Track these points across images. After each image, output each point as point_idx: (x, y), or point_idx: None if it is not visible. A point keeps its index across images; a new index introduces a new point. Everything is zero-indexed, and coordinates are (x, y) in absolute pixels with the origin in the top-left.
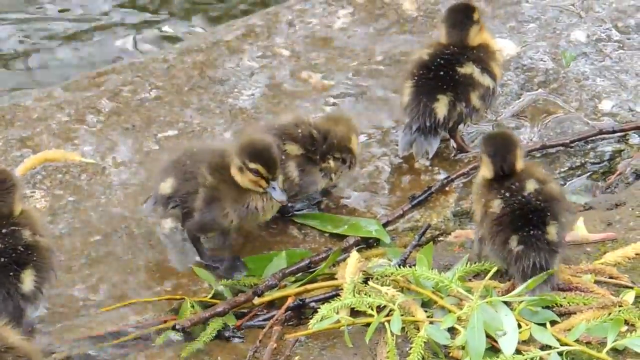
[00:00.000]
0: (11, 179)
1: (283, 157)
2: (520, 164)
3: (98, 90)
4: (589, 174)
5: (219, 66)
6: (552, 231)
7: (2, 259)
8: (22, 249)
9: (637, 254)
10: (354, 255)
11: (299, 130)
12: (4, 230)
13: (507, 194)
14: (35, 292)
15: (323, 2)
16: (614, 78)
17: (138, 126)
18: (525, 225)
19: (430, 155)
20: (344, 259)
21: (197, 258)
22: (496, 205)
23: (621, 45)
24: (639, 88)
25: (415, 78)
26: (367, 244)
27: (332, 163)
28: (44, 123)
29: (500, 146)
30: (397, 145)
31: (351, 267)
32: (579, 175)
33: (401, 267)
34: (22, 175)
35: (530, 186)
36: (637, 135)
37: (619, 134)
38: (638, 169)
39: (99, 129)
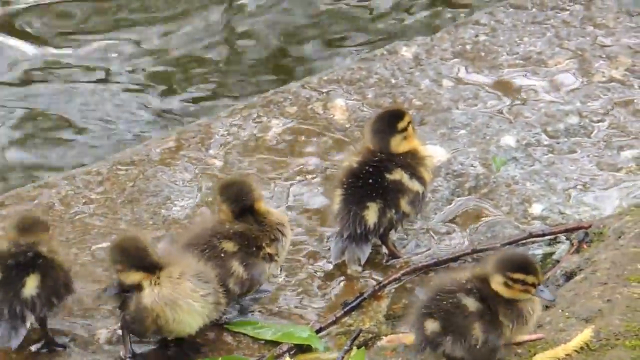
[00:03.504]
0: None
1: (222, 255)
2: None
3: (32, 204)
4: None
5: (152, 178)
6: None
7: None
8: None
9: (567, 355)
10: None
11: (228, 227)
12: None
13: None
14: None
15: (255, 112)
16: (543, 182)
17: (72, 238)
18: None
19: (362, 262)
20: None
21: None
22: None
23: (551, 149)
24: (569, 191)
25: (345, 186)
26: (301, 349)
27: (269, 248)
28: None
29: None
30: (329, 251)
31: None
32: None
33: None
34: None
35: None
36: (567, 238)
37: (549, 237)
38: (568, 271)
39: None
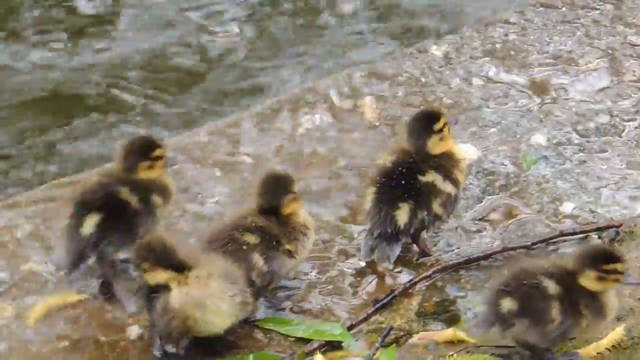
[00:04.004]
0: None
1: (244, 248)
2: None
3: (61, 202)
4: None
5: (182, 173)
6: None
7: None
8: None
9: (598, 353)
10: (318, 358)
11: (250, 220)
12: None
13: None
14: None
15: (286, 107)
16: (574, 181)
17: None
18: None
19: (392, 261)
20: None
21: None
22: None
23: (581, 148)
24: (600, 190)
25: (378, 185)
26: (332, 346)
27: (289, 245)
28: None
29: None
30: (360, 249)
31: None
32: None
33: None
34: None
35: None
36: (598, 237)
37: (580, 235)
38: None
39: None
